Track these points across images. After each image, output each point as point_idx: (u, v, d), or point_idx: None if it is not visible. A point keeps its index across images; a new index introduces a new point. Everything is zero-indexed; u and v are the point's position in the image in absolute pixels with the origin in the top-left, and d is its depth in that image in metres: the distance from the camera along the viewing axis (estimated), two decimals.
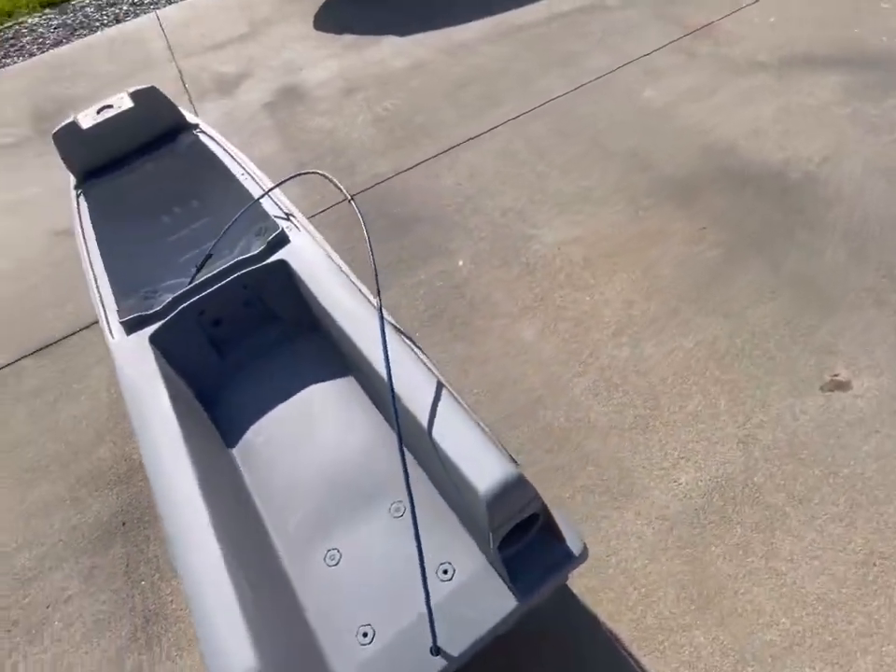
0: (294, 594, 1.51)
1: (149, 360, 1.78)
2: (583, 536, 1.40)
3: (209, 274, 1.93)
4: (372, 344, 1.58)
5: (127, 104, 2.51)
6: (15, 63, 5.49)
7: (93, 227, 2.33)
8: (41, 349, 2.93)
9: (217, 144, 2.56)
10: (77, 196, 2.48)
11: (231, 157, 2.46)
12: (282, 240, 1.98)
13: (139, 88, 2.54)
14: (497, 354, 2.43)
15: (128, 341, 1.85)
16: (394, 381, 1.49)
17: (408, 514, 1.54)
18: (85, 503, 2.33)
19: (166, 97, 2.60)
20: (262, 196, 2.17)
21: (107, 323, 1.93)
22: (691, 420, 2.11)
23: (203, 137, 2.62)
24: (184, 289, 1.91)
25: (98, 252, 2.23)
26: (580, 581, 1.83)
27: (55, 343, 2.93)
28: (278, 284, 1.95)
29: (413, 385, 1.51)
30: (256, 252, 1.95)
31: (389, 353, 1.52)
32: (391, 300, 2.71)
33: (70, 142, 2.48)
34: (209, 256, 2.19)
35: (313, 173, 2.09)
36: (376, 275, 1.69)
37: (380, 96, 3.95)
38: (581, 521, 1.94)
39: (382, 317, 1.60)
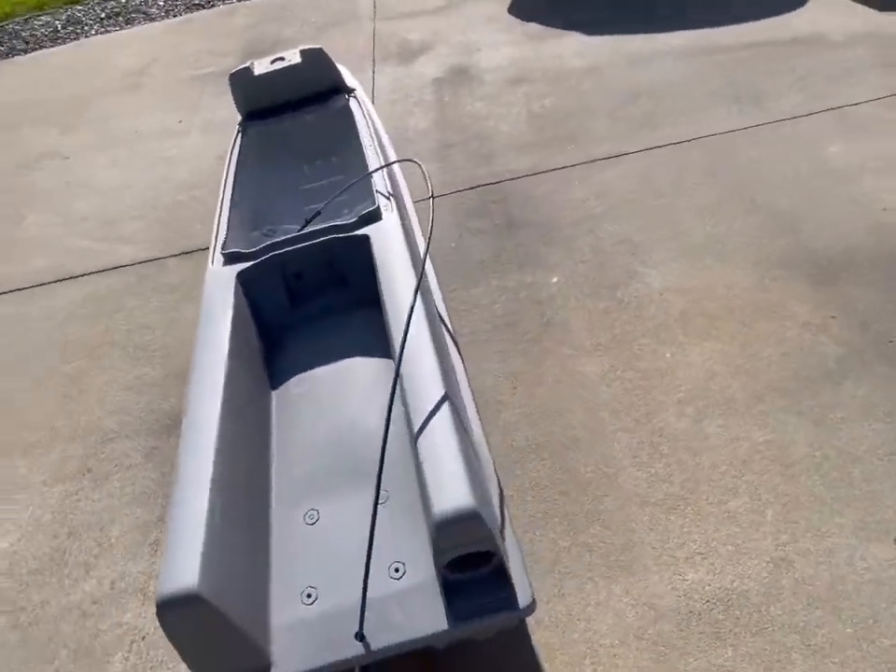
0: (266, 537, 1.61)
1: (230, 292, 1.96)
2: (537, 592, 1.35)
3: (309, 230, 2.06)
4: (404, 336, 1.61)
5: (296, 59, 2.71)
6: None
7: (240, 162, 2.59)
8: (185, 253, 3.33)
9: (363, 111, 2.70)
10: (238, 132, 2.75)
11: (371, 126, 2.59)
12: (374, 216, 2.07)
13: (309, 47, 2.73)
14: (551, 380, 2.35)
15: (221, 270, 2.05)
16: (408, 378, 1.53)
17: (391, 502, 1.58)
18: (169, 393, 2.65)
19: (331, 60, 2.77)
20: (371, 173, 2.27)
21: (213, 251, 2.16)
22: (726, 519, 1.90)
23: (353, 103, 2.77)
24: (280, 238, 2.06)
25: (235, 184, 2.48)
26: (541, 633, 1.76)
27: (197, 251, 3.30)
28: (358, 256, 2.03)
29: (424, 388, 1.52)
30: (348, 222, 2.05)
31: (410, 349, 1.55)
32: (472, 297, 2.71)
33: (242, 84, 2.75)
34: (318, 213, 2.37)
35: (408, 161, 2.13)
36: (421, 274, 1.71)
37: (543, 92, 3.87)
38: (566, 575, 1.85)
39: (411, 313, 1.62)
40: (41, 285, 3.34)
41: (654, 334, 2.43)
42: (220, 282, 2.01)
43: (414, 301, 1.66)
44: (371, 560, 1.34)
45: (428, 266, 2.08)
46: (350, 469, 1.70)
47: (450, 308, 2.03)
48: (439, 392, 1.50)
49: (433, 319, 1.76)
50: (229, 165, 2.60)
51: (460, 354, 1.88)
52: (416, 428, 1.45)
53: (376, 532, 1.35)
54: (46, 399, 2.75)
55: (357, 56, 4.54)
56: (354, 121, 2.64)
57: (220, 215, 2.38)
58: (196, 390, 1.70)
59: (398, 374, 1.53)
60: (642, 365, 2.34)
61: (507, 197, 3.17)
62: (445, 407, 1.48)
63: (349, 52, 4.60)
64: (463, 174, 3.37)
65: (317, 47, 2.74)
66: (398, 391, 1.52)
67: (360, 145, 2.51)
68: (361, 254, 2.01)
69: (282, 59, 2.76)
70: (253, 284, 2.03)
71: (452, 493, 1.31)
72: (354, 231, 2.04)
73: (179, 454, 1.54)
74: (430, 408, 1.48)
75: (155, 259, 3.33)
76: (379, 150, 2.47)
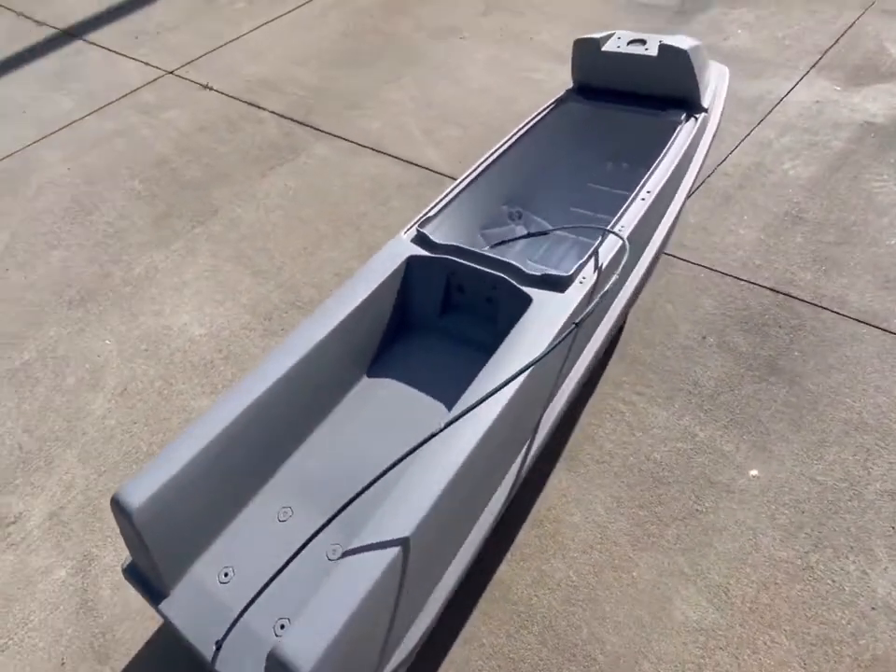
0: (234, 501, 1.64)
1: (392, 267, 1.88)
2: None
3: (497, 255, 1.87)
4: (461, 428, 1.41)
5: (653, 51, 2.24)
6: None
7: (535, 129, 2.36)
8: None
9: (694, 142, 2.16)
10: (557, 99, 2.47)
11: (686, 162, 2.09)
12: (555, 283, 1.71)
13: (673, 45, 2.19)
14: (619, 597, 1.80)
15: (402, 243, 1.95)
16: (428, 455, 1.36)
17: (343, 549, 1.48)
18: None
19: (692, 68, 2.21)
20: (591, 229, 1.87)
21: (421, 217, 2.05)
22: None
23: (688, 127, 2.22)
24: (469, 247, 1.88)
25: (512, 148, 2.29)
26: None
27: None
28: (514, 309, 1.76)
29: (423, 480, 1.33)
30: (528, 271, 1.75)
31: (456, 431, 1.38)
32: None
33: (584, 54, 2.41)
34: (543, 233, 2.14)
35: (607, 231, 1.68)
36: (528, 367, 1.37)
37: None
38: None
39: (483, 399, 1.35)
40: (362, 146, 3.68)
41: None
42: (393, 253, 1.93)
43: (496, 390, 1.35)
44: (267, 605, 1.34)
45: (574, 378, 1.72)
46: (344, 492, 1.58)
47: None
48: (426, 501, 1.27)
49: (504, 420, 1.45)
50: (522, 128, 2.37)
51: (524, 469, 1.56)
52: (372, 533, 1.25)
53: (295, 576, 1.30)
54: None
55: (795, 52, 3.58)
56: (671, 150, 2.12)
57: (468, 181, 2.22)
58: (297, 333, 1.72)
59: (423, 443, 1.30)
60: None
61: (801, 330, 2.32)
62: (416, 523, 1.24)
63: (783, 46, 3.64)
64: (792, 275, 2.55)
65: (687, 46, 2.18)
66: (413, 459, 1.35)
67: (659, 174, 2.04)
68: (511, 305, 1.72)
69: (642, 42, 2.30)
70: (416, 273, 1.94)
71: (306, 639, 1.11)
72: (523, 284, 1.73)
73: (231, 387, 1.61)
74: (401, 510, 1.26)
75: (438, 174, 3.36)
76: (668, 198, 2.00)
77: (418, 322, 2.04)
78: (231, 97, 4.28)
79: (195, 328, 2.78)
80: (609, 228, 1.87)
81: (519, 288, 1.75)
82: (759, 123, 3.23)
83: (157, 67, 4.80)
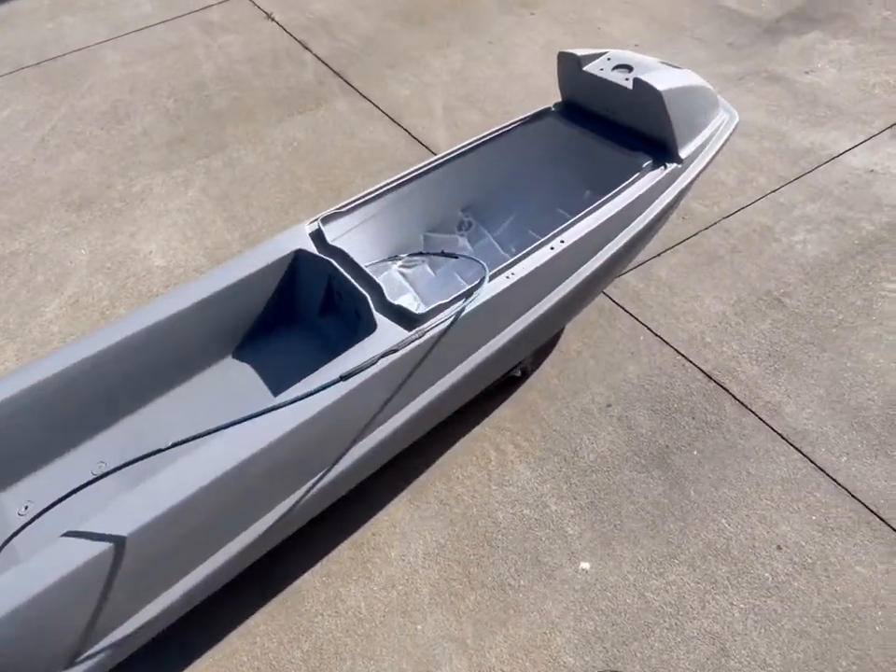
0: (59, 444, 1.71)
1: (275, 256, 1.86)
2: None
3: (374, 267, 1.85)
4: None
5: (629, 83, 1.97)
6: None
7: (504, 136, 2.22)
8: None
9: (650, 191, 1.93)
10: (541, 112, 2.26)
11: (634, 212, 1.88)
12: (407, 318, 1.61)
13: (648, 82, 1.91)
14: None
15: (297, 235, 1.91)
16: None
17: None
18: None
19: (666, 111, 1.93)
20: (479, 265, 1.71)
21: (325, 213, 1.97)
22: None
23: (652, 173, 1.97)
24: (354, 258, 1.79)
25: (473, 150, 2.18)
26: None
27: None
28: (363, 327, 1.69)
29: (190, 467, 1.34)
30: (387, 298, 1.65)
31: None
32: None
33: (566, 69, 2.19)
34: (445, 254, 2.03)
35: (489, 277, 1.57)
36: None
37: None
38: None
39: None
40: (381, 111, 3.55)
41: None
42: (287, 241, 1.87)
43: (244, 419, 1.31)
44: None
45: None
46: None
47: None
48: (158, 505, 1.28)
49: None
50: (496, 132, 2.20)
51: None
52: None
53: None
54: None
55: (878, 104, 3.05)
56: (616, 197, 1.90)
57: (420, 174, 2.11)
58: (162, 299, 1.75)
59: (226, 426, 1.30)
60: None
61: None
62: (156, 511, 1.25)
63: (868, 95, 3.10)
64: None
65: (665, 87, 1.90)
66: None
67: (585, 221, 1.85)
68: (364, 333, 1.64)
69: (628, 69, 2.03)
70: (306, 267, 1.88)
71: None
72: (378, 310, 1.64)
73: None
74: (131, 505, 1.28)
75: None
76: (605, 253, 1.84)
77: (301, 317, 1.99)
78: (287, 31, 4.23)
79: (157, 258, 2.87)
80: (490, 272, 1.72)
81: (372, 313, 1.66)
82: (791, 181, 2.80)
83: None
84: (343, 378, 1.36)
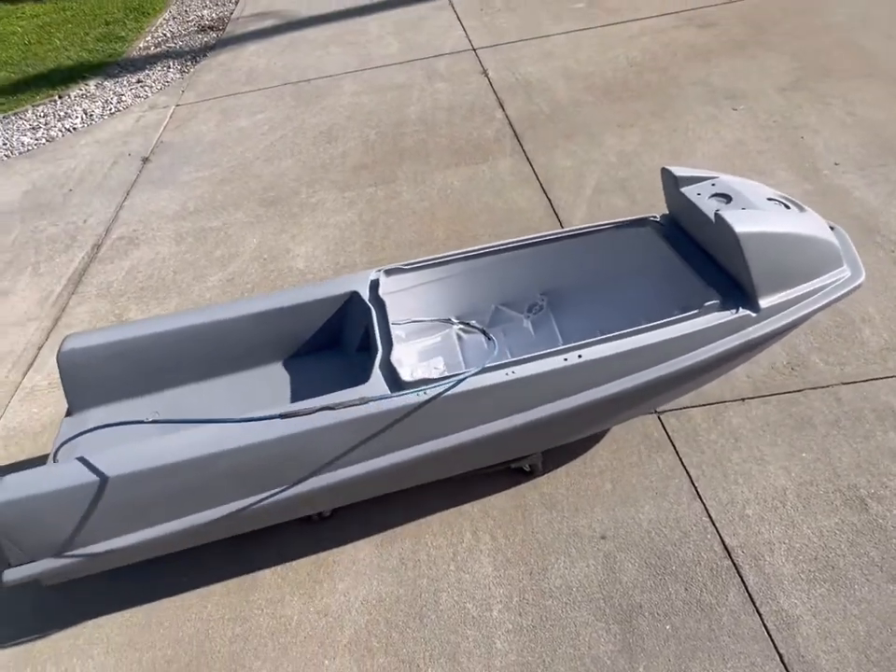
0: (144, 384, 2.17)
1: (334, 292, 2.14)
2: None
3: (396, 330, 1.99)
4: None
5: (724, 222, 1.80)
6: None
7: (599, 234, 2.24)
8: None
9: (704, 334, 1.82)
10: (644, 219, 2.23)
11: (677, 350, 1.82)
12: (395, 381, 1.74)
13: (727, 221, 1.75)
14: None
15: (364, 278, 2.16)
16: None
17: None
18: None
19: (744, 258, 1.76)
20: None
21: (397, 265, 2.19)
22: None
23: (716, 314, 1.84)
24: (388, 313, 1.99)
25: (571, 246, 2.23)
26: None
27: None
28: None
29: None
30: (391, 356, 1.81)
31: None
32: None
33: (666, 185, 2.12)
34: (472, 326, 2.13)
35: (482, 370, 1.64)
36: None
37: None
38: None
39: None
40: (536, 177, 3.66)
41: None
42: (351, 281, 2.14)
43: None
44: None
45: None
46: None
47: None
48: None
49: None
50: (597, 226, 2.23)
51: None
52: None
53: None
54: None
55: None
56: (663, 328, 1.81)
57: (507, 248, 2.24)
58: (255, 300, 2.14)
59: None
60: None
61: None
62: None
63: None
64: None
65: (746, 229, 1.74)
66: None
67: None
68: (362, 381, 1.80)
69: (725, 199, 1.90)
70: (355, 307, 2.12)
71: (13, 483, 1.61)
72: (379, 366, 1.79)
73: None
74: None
75: None
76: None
77: (343, 347, 2.22)
78: (493, 87, 4.56)
79: (300, 261, 3.35)
80: (489, 364, 1.75)
81: (373, 365, 1.81)
82: None
83: (469, 40, 5.30)
84: (282, 416, 1.52)
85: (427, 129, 4.22)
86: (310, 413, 1.53)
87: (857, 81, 3.86)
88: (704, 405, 2.28)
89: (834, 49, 4.23)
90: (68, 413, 2.09)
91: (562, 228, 3.21)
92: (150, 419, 1.57)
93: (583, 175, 3.54)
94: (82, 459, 1.65)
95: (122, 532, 1.72)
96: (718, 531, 1.94)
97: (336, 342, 2.22)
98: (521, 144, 3.91)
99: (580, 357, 1.76)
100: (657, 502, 2.04)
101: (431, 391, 1.70)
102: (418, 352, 2.29)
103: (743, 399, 2.28)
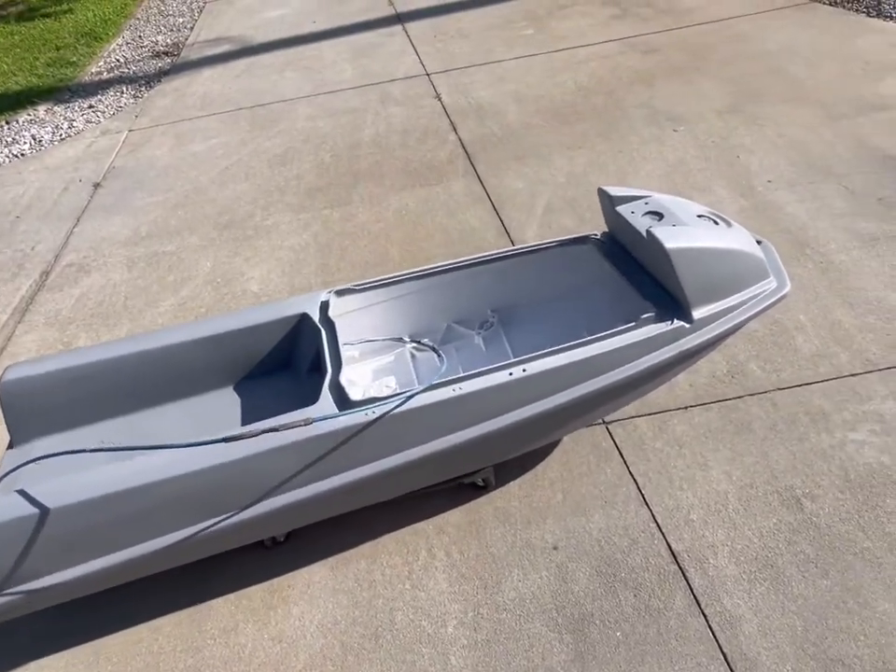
0: (89, 413, 2.12)
1: (284, 313, 2.13)
2: None
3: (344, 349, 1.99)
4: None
5: (654, 239, 1.89)
6: None
7: (545, 252, 2.31)
8: None
9: (640, 344, 1.89)
10: (585, 237, 2.31)
11: (614, 362, 1.89)
12: (343, 400, 1.75)
13: (658, 238, 1.84)
14: None
15: (314, 299, 2.16)
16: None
17: None
18: None
19: (675, 273, 1.84)
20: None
21: (348, 285, 2.21)
22: None
23: (650, 326, 1.91)
24: (338, 334, 2.01)
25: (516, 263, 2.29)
26: None
27: None
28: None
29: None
30: (339, 378, 1.82)
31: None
32: None
33: (603, 204, 2.20)
34: (421, 343, 2.15)
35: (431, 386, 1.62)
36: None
37: None
38: None
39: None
40: (488, 197, 3.74)
41: None
42: (302, 302, 2.15)
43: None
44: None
45: None
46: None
47: None
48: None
49: None
50: (542, 245, 2.29)
51: None
52: None
53: None
54: None
55: None
56: (599, 341, 1.87)
57: (459, 266, 2.28)
58: (203, 323, 2.13)
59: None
60: None
61: None
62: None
63: None
64: None
65: (675, 245, 1.82)
66: None
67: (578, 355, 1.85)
68: (311, 402, 1.80)
69: (657, 217, 1.98)
70: (306, 328, 2.11)
71: None
72: (329, 386, 1.80)
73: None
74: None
75: None
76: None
77: (295, 369, 2.22)
78: (446, 111, 4.66)
79: (254, 284, 3.33)
80: (437, 380, 1.77)
81: (322, 386, 1.81)
82: (881, 370, 2.37)
83: (423, 65, 5.41)
84: (226, 440, 1.52)
85: (382, 151, 4.28)
86: (254, 436, 1.53)
87: (785, 105, 4.09)
88: (649, 414, 2.35)
89: (765, 76, 4.47)
90: (10, 446, 2.03)
91: (513, 244, 3.28)
92: (92, 448, 1.54)
93: (534, 195, 3.64)
94: (22, 491, 1.60)
95: (67, 566, 1.67)
96: (664, 536, 1.99)
97: (288, 363, 2.22)
98: (473, 165, 4.00)
99: (524, 370, 1.80)
100: (606, 511, 2.08)
101: (379, 409, 1.72)
102: (371, 371, 2.30)
103: (686, 408, 2.36)
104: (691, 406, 2.36)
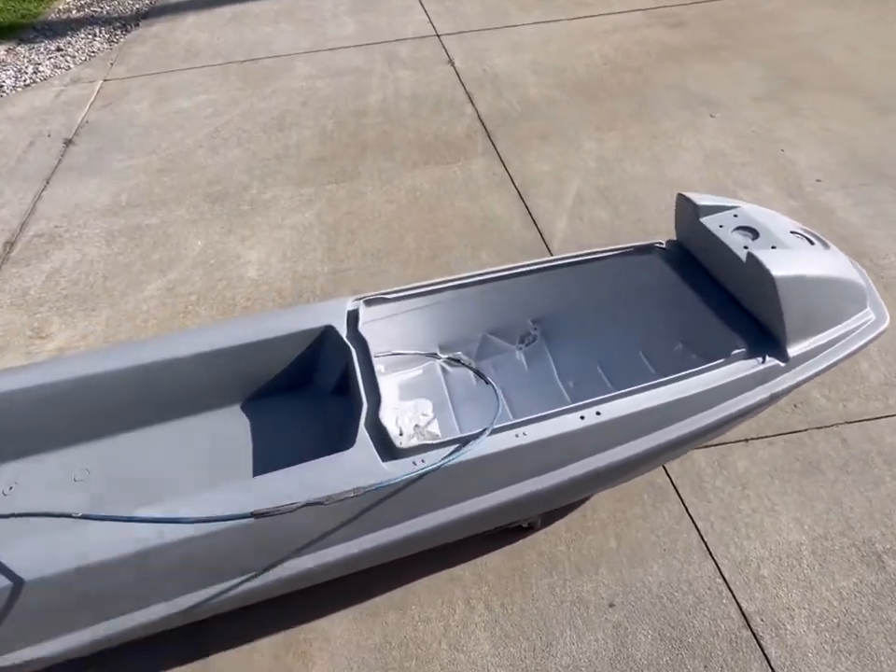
0: (52, 439, 1.74)
1: (305, 325, 1.79)
2: None
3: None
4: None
5: (742, 255, 1.61)
6: None
7: (599, 262, 1.99)
8: None
9: (730, 385, 1.60)
10: (650, 246, 1.99)
11: (699, 406, 1.59)
12: (387, 446, 1.43)
13: (762, 262, 1.54)
14: None
15: (338, 308, 1.82)
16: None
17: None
18: None
19: (778, 305, 1.55)
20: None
21: (375, 293, 1.86)
22: None
23: (740, 363, 1.61)
24: (375, 355, 1.69)
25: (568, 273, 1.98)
26: None
27: None
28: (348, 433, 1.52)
29: None
30: (379, 416, 1.49)
31: None
32: None
33: (682, 213, 1.88)
34: (468, 367, 1.84)
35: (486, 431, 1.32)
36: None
37: None
38: None
39: None
40: (512, 181, 3.38)
41: None
42: (325, 312, 1.80)
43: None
44: None
45: None
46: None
47: None
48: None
49: None
50: (595, 253, 1.97)
51: None
52: None
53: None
54: None
55: None
56: (683, 380, 1.57)
57: (498, 276, 1.95)
58: (204, 332, 1.77)
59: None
60: None
61: None
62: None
63: None
64: None
65: (782, 272, 1.52)
66: None
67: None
68: (344, 443, 1.48)
69: (751, 234, 1.68)
70: (331, 343, 1.77)
71: None
72: (365, 424, 1.47)
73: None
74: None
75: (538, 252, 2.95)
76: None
77: (315, 388, 1.88)
78: (460, 80, 4.22)
79: (252, 269, 2.94)
80: (496, 425, 1.47)
81: (358, 425, 1.49)
82: None
83: (432, 25, 4.91)
84: (254, 516, 1.19)
85: (391, 121, 3.85)
86: (291, 512, 1.21)
87: (827, 95, 3.78)
88: (706, 447, 2.09)
89: (802, 60, 4.15)
90: None
91: (542, 238, 2.96)
92: (80, 514, 1.19)
93: (562, 180, 3.29)
94: None
95: (46, 638, 1.35)
96: (734, 595, 1.75)
97: (305, 379, 1.88)
98: (493, 143, 3.61)
99: (598, 413, 1.51)
100: (666, 561, 1.83)
101: (430, 460, 1.41)
102: (398, 387, 1.98)
103: (747, 440, 2.11)
104: (752, 439, 2.11)
